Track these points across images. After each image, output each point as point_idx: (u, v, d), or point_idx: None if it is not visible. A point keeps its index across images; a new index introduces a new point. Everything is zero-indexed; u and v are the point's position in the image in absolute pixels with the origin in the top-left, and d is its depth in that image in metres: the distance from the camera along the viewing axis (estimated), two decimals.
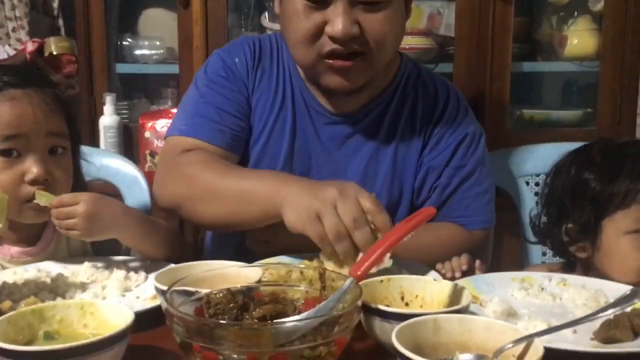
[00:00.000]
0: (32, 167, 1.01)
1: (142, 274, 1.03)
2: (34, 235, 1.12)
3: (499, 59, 1.81)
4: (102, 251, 1.14)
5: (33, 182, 1.02)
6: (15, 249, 1.10)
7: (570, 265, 1.12)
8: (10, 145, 1.01)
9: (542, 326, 0.81)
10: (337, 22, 1.02)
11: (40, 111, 1.02)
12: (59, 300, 0.88)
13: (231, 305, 0.73)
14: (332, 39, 1.03)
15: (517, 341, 0.65)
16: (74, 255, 1.14)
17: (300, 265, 0.83)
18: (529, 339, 0.65)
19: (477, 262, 1.09)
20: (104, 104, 2.05)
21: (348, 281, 0.74)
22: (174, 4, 1.99)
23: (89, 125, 2.10)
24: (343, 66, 1.06)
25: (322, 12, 1.03)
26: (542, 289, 0.98)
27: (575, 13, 1.89)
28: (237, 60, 1.21)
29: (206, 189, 1.08)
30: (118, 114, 2.06)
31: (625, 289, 0.92)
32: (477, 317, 0.73)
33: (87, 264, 1.05)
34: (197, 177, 1.10)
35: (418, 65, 1.28)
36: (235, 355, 0.63)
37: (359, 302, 0.70)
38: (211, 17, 1.92)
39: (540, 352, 0.62)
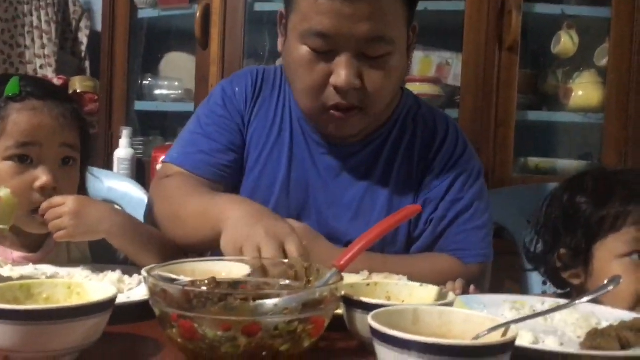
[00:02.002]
0: (42, 175, 1.05)
1: (136, 278, 1.04)
2: (37, 242, 1.15)
3: (504, 107, 1.85)
4: (102, 261, 1.16)
5: (42, 190, 1.05)
6: (17, 254, 1.13)
7: (565, 295, 1.11)
8: (24, 151, 1.05)
9: (528, 336, 0.80)
10: (341, 73, 1.04)
11: (58, 123, 1.07)
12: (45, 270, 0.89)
13: (215, 291, 0.74)
14: (337, 89, 1.06)
15: (494, 328, 0.65)
16: (74, 264, 1.16)
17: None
18: (505, 326, 0.65)
19: (472, 288, 1.09)
20: (120, 138, 2.11)
21: (331, 271, 0.75)
22: (195, 49, 2.10)
23: (104, 160, 2.17)
24: (344, 118, 1.09)
25: (327, 63, 1.06)
26: (534, 310, 0.97)
27: (581, 67, 1.94)
28: (237, 89, 1.25)
29: (172, 211, 1.13)
30: (134, 148, 2.13)
31: (617, 312, 0.92)
32: (457, 309, 0.73)
33: (83, 267, 1.07)
34: (167, 200, 1.15)
35: (419, 100, 1.30)
36: (209, 326, 0.64)
37: (339, 287, 0.71)
38: (228, 58, 2.01)
39: (515, 334, 0.62)
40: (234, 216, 0.96)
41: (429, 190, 1.19)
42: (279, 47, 1.20)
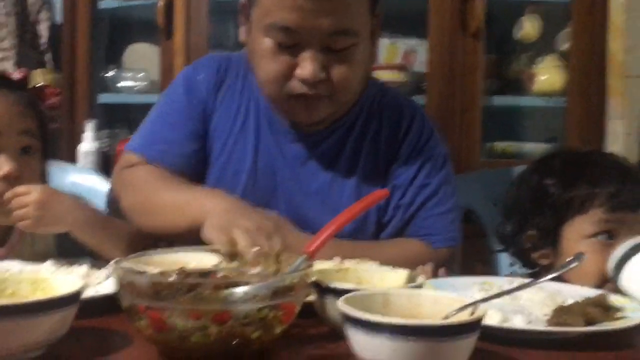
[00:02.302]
0: (4, 165, 1.03)
1: (104, 271, 1.02)
2: (1, 238, 1.12)
3: (469, 93, 1.87)
4: (67, 254, 1.14)
5: (4, 178, 1.03)
6: None
7: (534, 275, 1.13)
8: None
9: (496, 315, 0.82)
10: (306, 66, 1.04)
11: (14, 110, 1.05)
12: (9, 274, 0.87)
13: (184, 281, 0.73)
14: (302, 81, 1.06)
15: (462, 308, 0.66)
16: (39, 258, 1.13)
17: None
18: (473, 305, 0.66)
19: (441, 271, 1.10)
20: (84, 132, 2.07)
21: (301, 258, 0.75)
22: (159, 39, 2.06)
23: (68, 154, 2.12)
24: (310, 105, 1.09)
25: (291, 56, 1.06)
26: (502, 290, 0.99)
27: (544, 52, 1.97)
28: (200, 77, 1.22)
29: (146, 201, 1.12)
30: (99, 142, 2.09)
31: (582, 290, 0.94)
32: (426, 291, 0.74)
33: (49, 262, 1.05)
34: (138, 191, 1.14)
35: (384, 87, 1.30)
36: (179, 316, 0.63)
37: (309, 273, 0.71)
38: (193, 48, 1.98)
39: (483, 312, 0.63)
40: (219, 206, 0.97)
41: (397, 177, 1.20)
42: (241, 36, 1.19)
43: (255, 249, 0.83)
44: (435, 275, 1.08)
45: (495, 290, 0.98)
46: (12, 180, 1.03)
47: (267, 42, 1.06)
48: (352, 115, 1.22)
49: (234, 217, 0.91)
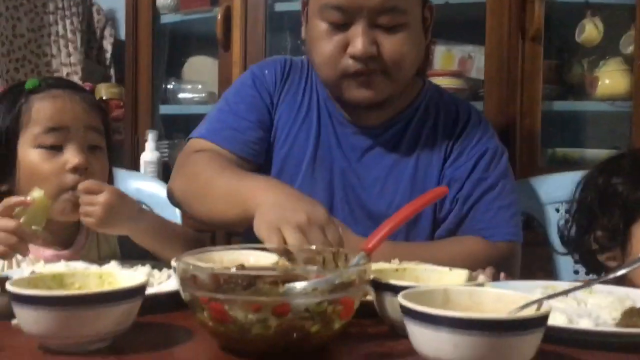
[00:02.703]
0: (73, 157, 1.06)
1: (166, 272, 1.05)
2: (67, 240, 1.17)
3: (529, 98, 1.83)
4: (132, 257, 1.17)
5: (74, 170, 1.06)
6: (48, 252, 1.14)
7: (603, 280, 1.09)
8: (52, 137, 1.07)
9: (561, 318, 0.79)
10: (357, 42, 1.09)
11: (80, 106, 1.10)
12: (77, 269, 0.91)
13: (245, 275, 0.74)
14: (353, 57, 1.10)
15: (527, 305, 0.64)
16: (103, 260, 1.17)
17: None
18: (538, 302, 0.64)
19: (502, 275, 1.07)
20: (146, 142, 2.14)
21: (359, 255, 0.75)
22: (217, 51, 2.11)
23: (131, 164, 2.20)
24: (361, 80, 1.12)
25: (344, 33, 1.11)
26: (567, 295, 0.96)
27: (606, 55, 1.91)
28: (266, 72, 1.28)
29: (199, 187, 1.13)
30: (159, 152, 2.15)
31: None
32: (488, 289, 0.72)
33: (113, 263, 1.08)
34: (195, 176, 1.15)
35: (440, 89, 1.33)
36: (240, 307, 0.64)
37: (367, 269, 0.70)
38: (250, 59, 2.02)
39: (549, 308, 0.61)
40: (268, 199, 0.96)
41: (454, 170, 1.20)
42: (302, 34, 1.24)
43: (306, 247, 0.83)
44: (495, 279, 1.05)
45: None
46: (82, 172, 1.06)
47: (321, 25, 1.12)
48: (409, 111, 1.24)
49: (283, 212, 0.90)
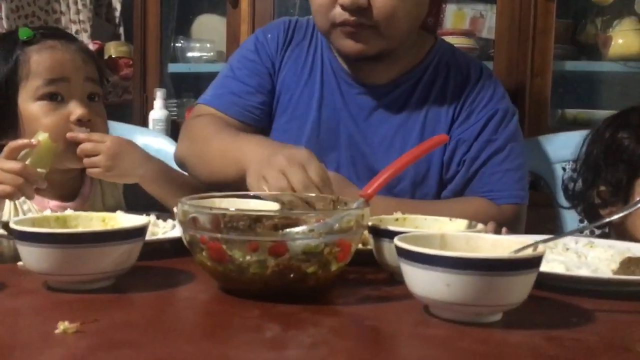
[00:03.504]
0: (76, 109, 1.07)
1: (170, 222, 1.06)
2: (72, 192, 1.18)
3: (540, 57, 1.80)
4: (137, 208, 1.19)
5: (79, 122, 1.07)
6: (54, 202, 1.16)
7: (602, 235, 1.09)
8: (54, 88, 1.07)
9: (560, 268, 0.79)
10: None
11: (78, 57, 1.10)
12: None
13: (245, 217, 0.75)
14: (343, 7, 1.08)
15: (522, 248, 0.64)
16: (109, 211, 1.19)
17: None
18: (533, 245, 0.64)
19: (504, 230, 1.07)
20: (154, 100, 2.14)
21: (358, 201, 0.75)
22: (226, 10, 2.10)
23: (140, 122, 2.21)
24: (350, 31, 1.10)
25: None
26: (567, 249, 0.96)
27: (621, 14, 1.87)
28: (269, 36, 1.27)
29: (198, 149, 1.17)
30: (168, 110, 2.15)
31: None
32: (484, 234, 0.72)
33: (119, 213, 1.09)
34: (195, 138, 1.19)
35: (452, 47, 1.30)
36: (238, 247, 0.65)
37: (365, 214, 0.71)
38: (258, 17, 2.00)
39: (543, 250, 0.61)
40: (256, 154, 0.98)
41: (462, 131, 1.18)
42: None
43: (305, 194, 0.84)
44: (497, 234, 1.05)
45: (559, 248, 0.96)
46: (86, 123, 1.07)
47: None
48: (418, 70, 1.22)
49: (266, 161, 0.92)
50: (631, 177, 1.01)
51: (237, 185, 1.01)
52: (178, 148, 1.26)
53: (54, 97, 1.08)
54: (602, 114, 1.88)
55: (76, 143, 1.06)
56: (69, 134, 1.06)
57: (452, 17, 2.00)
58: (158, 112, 2.12)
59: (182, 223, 0.71)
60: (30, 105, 1.08)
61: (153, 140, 1.61)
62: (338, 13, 1.09)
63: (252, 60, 1.26)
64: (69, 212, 1.02)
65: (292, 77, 1.25)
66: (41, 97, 1.07)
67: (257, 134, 1.17)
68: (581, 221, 1.14)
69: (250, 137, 1.11)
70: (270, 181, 0.88)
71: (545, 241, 0.66)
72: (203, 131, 1.18)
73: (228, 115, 1.23)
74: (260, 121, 1.25)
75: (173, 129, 2.16)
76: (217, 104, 1.24)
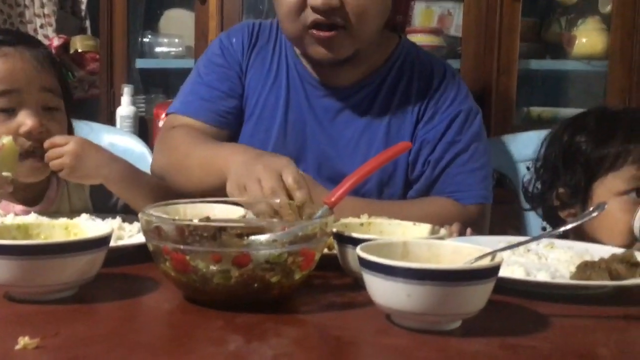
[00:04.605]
0: (26, 120, 1.03)
1: (136, 225, 1.05)
2: (37, 195, 1.16)
3: (506, 55, 1.83)
4: (103, 212, 1.18)
5: (28, 135, 1.04)
6: (19, 207, 1.14)
7: (563, 236, 1.12)
8: (4, 100, 1.03)
9: (520, 271, 0.81)
10: None
11: (32, 66, 1.06)
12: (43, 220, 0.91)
13: (210, 227, 0.75)
14: (314, 9, 1.08)
15: (481, 257, 0.66)
16: (75, 214, 1.17)
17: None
18: (492, 254, 0.66)
19: (468, 231, 1.09)
20: (122, 96, 2.12)
21: (322, 209, 0.76)
22: (194, 4, 2.08)
23: (107, 118, 2.18)
24: (325, 37, 1.10)
25: None
26: (528, 250, 0.98)
27: (585, 14, 1.91)
28: (234, 40, 1.27)
29: (177, 160, 1.17)
30: (136, 106, 2.13)
31: (611, 250, 0.92)
32: (446, 241, 0.74)
33: (84, 216, 1.08)
34: (173, 149, 1.19)
35: (416, 47, 1.31)
36: (201, 258, 0.65)
37: (329, 222, 0.72)
38: (227, 13, 1.99)
39: (500, 259, 0.63)
40: (234, 163, 0.99)
41: (426, 132, 1.20)
42: None
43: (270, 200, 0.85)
44: (462, 234, 1.07)
45: (521, 250, 0.98)
46: (37, 135, 1.04)
47: None
48: (383, 71, 1.23)
49: (246, 169, 0.93)
50: (589, 180, 1.03)
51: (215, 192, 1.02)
52: (155, 161, 1.25)
53: (3, 109, 1.04)
54: (567, 112, 1.93)
55: (35, 162, 1.04)
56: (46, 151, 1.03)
57: (421, 15, 2.01)
58: (125, 108, 2.10)
59: (145, 232, 0.70)
60: None
61: (120, 139, 1.60)
62: (309, 14, 1.09)
63: (220, 65, 1.25)
64: (31, 217, 1.02)
65: (258, 81, 1.24)
66: None
67: (235, 142, 1.18)
68: (544, 228, 1.17)
69: (230, 145, 1.12)
70: (249, 192, 0.88)
71: (502, 250, 0.68)
72: (180, 143, 1.17)
73: (201, 121, 1.22)
74: (233, 125, 1.25)
75: (141, 125, 2.14)
76: (188, 111, 1.23)
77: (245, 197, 0.89)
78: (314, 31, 1.10)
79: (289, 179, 0.87)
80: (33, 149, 1.05)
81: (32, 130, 1.03)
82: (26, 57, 1.06)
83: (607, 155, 1.02)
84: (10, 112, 1.05)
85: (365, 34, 1.13)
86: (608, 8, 1.86)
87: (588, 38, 1.87)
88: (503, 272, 0.81)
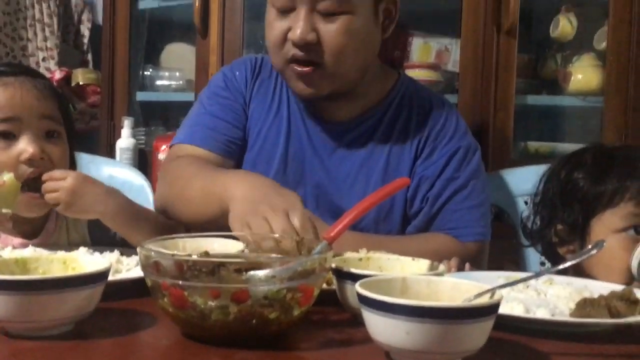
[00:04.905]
0: (27, 147, 1.04)
1: (134, 258, 1.05)
2: (37, 228, 1.16)
3: (502, 91, 1.85)
4: (101, 245, 1.17)
5: (29, 162, 1.04)
6: (17, 240, 1.14)
7: (561, 272, 1.12)
8: (5, 127, 1.04)
9: (519, 308, 0.81)
10: (296, 27, 1.09)
11: (32, 95, 1.07)
12: (42, 254, 0.91)
13: (208, 262, 0.75)
14: (293, 43, 1.10)
15: (481, 294, 0.66)
16: (73, 247, 1.17)
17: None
18: (491, 291, 0.66)
19: (467, 266, 1.09)
20: (122, 128, 2.13)
21: (321, 244, 0.76)
22: (195, 39, 2.11)
23: (107, 150, 2.19)
24: (302, 72, 1.12)
25: (288, 19, 1.11)
26: (527, 286, 0.98)
27: (580, 51, 1.93)
28: (237, 73, 1.29)
29: (179, 191, 1.16)
30: (136, 139, 2.14)
31: (610, 286, 0.92)
32: (445, 278, 0.74)
33: (82, 249, 1.08)
34: (175, 180, 1.18)
35: (415, 82, 1.32)
36: (199, 294, 0.65)
37: (327, 258, 0.72)
38: (227, 47, 2.02)
39: (500, 297, 0.63)
40: (239, 192, 0.98)
41: (425, 168, 1.20)
42: None
43: (271, 235, 0.84)
44: (460, 270, 1.07)
45: (520, 285, 0.97)
46: (38, 162, 1.04)
47: (271, 11, 1.14)
48: (382, 107, 1.24)
49: (251, 205, 0.92)
50: (587, 217, 1.04)
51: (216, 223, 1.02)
52: (158, 193, 1.24)
53: (5, 136, 1.05)
54: (564, 146, 1.94)
55: (33, 197, 1.04)
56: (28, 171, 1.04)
57: (419, 50, 2.04)
58: (125, 140, 2.11)
59: (144, 267, 0.70)
60: None
61: (119, 172, 1.60)
62: (290, 49, 1.11)
63: (224, 97, 1.26)
64: (30, 250, 1.02)
65: (261, 113, 1.26)
66: None
67: (235, 169, 1.18)
68: (542, 264, 1.17)
69: (232, 172, 1.11)
70: (255, 228, 0.87)
71: (502, 287, 0.67)
72: (182, 172, 1.17)
73: (206, 149, 1.22)
74: (238, 155, 1.25)
75: (140, 157, 2.15)
76: (193, 140, 1.23)
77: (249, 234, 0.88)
78: (294, 65, 1.12)
79: (296, 222, 0.86)
80: (34, 177, 1.04)
81: (33, 157, 1.04)
82: (26, 86, 1.07)
83: (604, 192, 1.03)
84: (11, 139, 1.05)
85: (343, 73, 1.14)
86: (603, 45, 1.89)
87: (583, 74, 1.89)
88: (503, 309, 0.81)
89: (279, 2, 1.11)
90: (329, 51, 1.10)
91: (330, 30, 1.09)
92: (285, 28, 1.11)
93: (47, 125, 1.08)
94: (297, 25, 1.09)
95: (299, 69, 1.12)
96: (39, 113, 1.07)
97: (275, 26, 1.12)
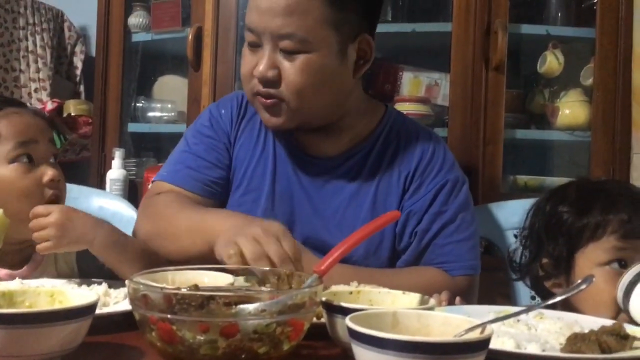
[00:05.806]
0: (47, 170, 1.09)
1: (122, 291, 1.04)
2: (23, 260, 1.15)
3: (492, 125, 1.87)
4: (89, 276, 1.16)
5: (51, 183, 1.09)
6: (3, 271, 1.13)
7: (550, 306, 1.12)
8: (25, 150, 1.09)
9: (510, 343, 0.81)
10: (260, 64, 1.12)
11: (40, 120, 1.14)
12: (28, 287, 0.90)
13: (198, 296, 0.74)
14: (257, 78, 1.13)
15: (471, 328, 0.66)
16: (61, 278, 1.16)
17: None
18: (482, 326, 0.65)
19: (457, 299, 1.09)
20: (113, 159, 2.13)
21: (311, 277, 0.76)
22: (187, 71, 2.12)
23: (97, 181, 2.18)
24: (265, 103, 1.14)
25: (257, 54, 1.14)
26: (518, 320, 0.97)
27: (567, 86, 1.97)
28: (223, 111, 1.29)
29: (162, 227, 1.16)
30: (126, 170, 2.14)
31: (600, 321, 0.92)
32: (435, 312, 0.74)
33: (68, 281, 1.07)
34: (158, 216, 1.18)
35: (402, 116, 1.32)
36: (188, 328, 0.64)
37: (318, 292, 0.71)
38: (220, 80, 2.03)
39: (491, 332, 0.62)
40: (227, 225, 0.99)
41: (413, 202, 1.20)
42: None
43: (261, 267, 0.84)
44: (451, 303, 1.07)
45: (511, 320, 0.97)
46: (56, 184, 1.10)
47: (245, 46, 1.16)
48: (369, 141, 1.24)
49: (239, 229, 0.93)
50: (571, 250, 1.04)
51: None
52: (139, 228, 1.23)
53: (25, 160, 1.09)
54: (553, 180, 1.96)
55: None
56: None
57: (409, 84, 2.06)
58: (116, 171, 2.10)
59: (132, 301, 0.70)
60: (4, 169, 1.08)
61: (109, 203, 1.60)
62: (255, 83, 1.14)
63: (208, 136, 1.26)
64: (16, 283, 1.01)
65: (247, 152, 1.26)
66: (14, 160, 1.08)
67: (223, 209, 1.18)
68: (533, 297, 1.17)
69: (218, 211, 1.13)
70: (245, 249, 0.87)
71: (492, 322, 0.67)
72: (166, 209, 1.17)
73: (186, 189, 1.22)
74: (220, 195, 1.25)
75: (131, 189, 2.14)
76: (175, 179, 1.23)
77: (232, 252, 0.88)
78: (259, 97, 1.15)
79: (287, 248, 0.87)
80: (55, 197, 1.10)
81: (54, 178, 1.09)
82: (31, 113, 1.14)
83: (587, 225, 1.03)
84: (31, 161, 1.10)
85: (306, 109, 1.15)
86: (589, 81, 1.93)
87: (571, 109, 1.93)
88: (493, 344, 0.80)
89: (249, 37, 1.14)
90: (288, 88, 1.12)
91: (289, 68, 1.11)
92: (254, 63, 1.13)
93: (53, 149, 1.14)
94: (261, 62, 1.11)
95: (262, 100, 1.14)
96: (49, 137, 1.14)
97: (246, 60, 1.15)
